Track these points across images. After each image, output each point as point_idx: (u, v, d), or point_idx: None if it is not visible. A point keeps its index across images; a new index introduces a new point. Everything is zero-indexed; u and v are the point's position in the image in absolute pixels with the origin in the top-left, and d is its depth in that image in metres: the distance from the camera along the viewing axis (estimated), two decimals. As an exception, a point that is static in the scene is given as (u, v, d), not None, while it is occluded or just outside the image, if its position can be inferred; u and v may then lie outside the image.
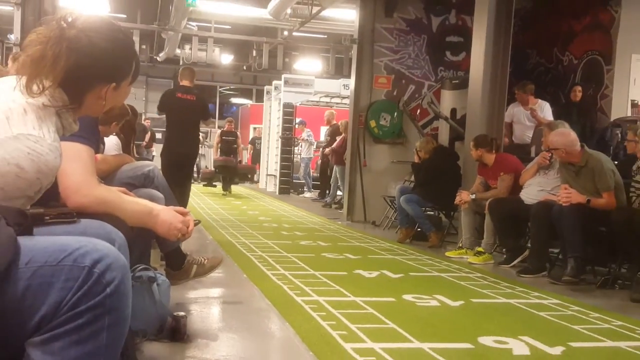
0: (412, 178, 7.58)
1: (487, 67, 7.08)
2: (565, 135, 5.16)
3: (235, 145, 14.18)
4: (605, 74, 7.92)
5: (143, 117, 17.42)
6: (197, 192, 13.28)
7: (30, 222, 1.30)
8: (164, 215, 1.95)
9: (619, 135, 6.60)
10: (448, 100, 9.05)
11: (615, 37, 7.80)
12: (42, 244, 1.22)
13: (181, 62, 19.84)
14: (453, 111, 8.79)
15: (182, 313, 3.02)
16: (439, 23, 9.67)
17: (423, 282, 4.69)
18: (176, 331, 2.88)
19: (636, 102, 7.55)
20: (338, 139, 11.60)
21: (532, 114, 7.28)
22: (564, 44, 8.79)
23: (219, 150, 14.03)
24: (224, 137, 14.05)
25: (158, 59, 20.55)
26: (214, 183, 15.21)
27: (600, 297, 4.47)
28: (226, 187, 13.85)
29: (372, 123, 9.35)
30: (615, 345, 3.21)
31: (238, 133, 15.12)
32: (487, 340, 3.13)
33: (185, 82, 6.90)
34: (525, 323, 3.59)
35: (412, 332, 3.18)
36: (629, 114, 7.44)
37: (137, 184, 3.11)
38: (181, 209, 2.07)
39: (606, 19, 7.97)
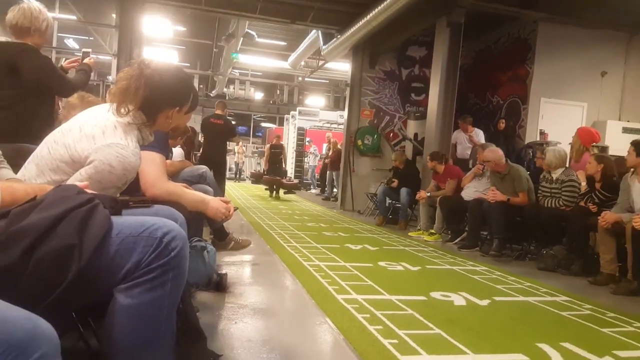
0: (386, 181, 7.52)
1: (440, 105, 7.08)
2: (496, 152, 5.16)
3: (281, 157, 12.12)
4: (522, 111, 7.89)
5: (200, 135, 17.40)
6: (243, 193, 13.20)
7: (119, 206, 1.29)
8: (213, 203, 1.94)
9: (531, 154, 6.57)
10: (412, 127, 9.06)
11: (529, 85, 7.77)
12: (127, 221, 1.22)
13: (227, 97, 19.85)
14: (415, 135, 8.79)
15: (224, 271, 3.03)
16: (407, 73, 9.66)
17: (392, 253, 4.66)
18: (219, 284, 2.89)
19: (543, 130, 7.52)
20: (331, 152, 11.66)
21: (471, 139, 7.26)
22: (494, 89, 8.77)
23: (268, 160, 11.94)
24: (272, 150, 12.03)
25: (211, 94, 20.56)
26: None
27: (516, 266, 4.47)
28: (273, 194, 11.30)
29: (359, 142, 9.33)
30: (525, 299, 3.21)
31: (285, 145, 13.06)
32: (436, 295, 3.13)
33: (218, 111, 6.85)
34: (463, 283, 3.58)
35: (384, 288, 3.18)
36: (538, 139, 7.42)
37: (194, 181, 3.11)
38: (225, 198, 2.07)
39: (523, 73, 7.95)
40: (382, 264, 4.05)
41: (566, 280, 3.95)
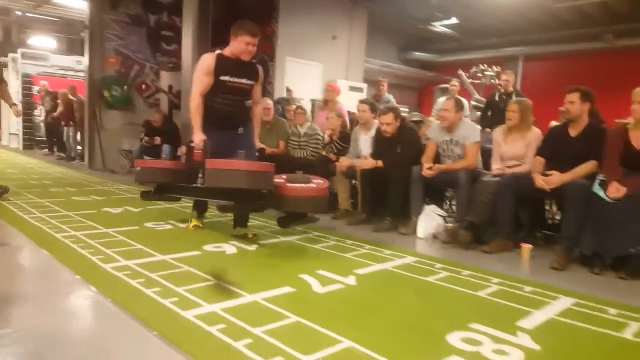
0: (146, 140, 6.99)
1: (194, 57, 6.92)
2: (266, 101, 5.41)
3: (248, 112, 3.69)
4: (270, 68, 8.46)
5: None
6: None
7: None
8: None
9: (280, 108, 7.17)
10: (166, 79, 8.61)
11: (275, 44, 8.33)
12: None
13: None
14: (170, 87, 8.42)
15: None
16: (155, 20, 8.96)
17: (158, 213, 4.46)
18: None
19: (288, 87, 8.27)
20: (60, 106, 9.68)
21: None
22: (245, 45, 9.06)
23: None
24: (225, 95, 3.48)
25: None
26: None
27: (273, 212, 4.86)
28: (242, 224, 3.63)
29: (106, 94, 8.33)
30: (286, 239, 3.60)
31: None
32: (209, 247, 3.22)
33: None
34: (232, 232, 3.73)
35: (155, 249, 3.08)
36: (285, 95, 8.13)
37: None
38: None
39: (270, 32, 8.44)
40: (148, 224, 3.87)
41: (314, 217, 4.60)
